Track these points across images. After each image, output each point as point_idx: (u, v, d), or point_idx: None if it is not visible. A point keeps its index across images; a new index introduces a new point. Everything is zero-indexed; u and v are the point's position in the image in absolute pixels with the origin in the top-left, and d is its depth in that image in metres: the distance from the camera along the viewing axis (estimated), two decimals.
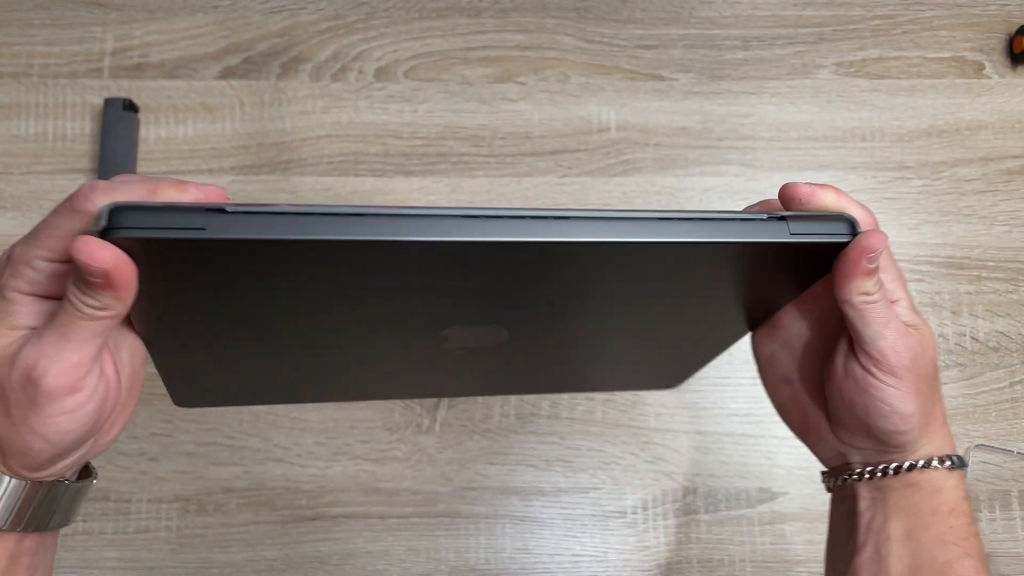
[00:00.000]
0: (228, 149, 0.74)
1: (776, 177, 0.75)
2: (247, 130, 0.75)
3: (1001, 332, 0.72)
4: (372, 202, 0.73)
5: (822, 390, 0.38)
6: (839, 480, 0.38)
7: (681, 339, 0.44)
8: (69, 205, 0.28)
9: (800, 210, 0.33)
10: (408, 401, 0.70)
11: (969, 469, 0.70)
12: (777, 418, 0.43)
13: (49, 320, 0.29)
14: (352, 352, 0.39)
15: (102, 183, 0.28)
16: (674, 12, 0.79)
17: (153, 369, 0.37)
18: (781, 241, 0.30)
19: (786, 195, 0.34)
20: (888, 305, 0.34)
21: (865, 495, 0.37)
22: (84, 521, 0.66)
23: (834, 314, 0.36)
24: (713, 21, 0.78)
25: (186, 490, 0.68)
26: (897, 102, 0.77)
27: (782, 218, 0.30)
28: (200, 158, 0.74)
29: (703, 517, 0.69)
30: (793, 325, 0.39)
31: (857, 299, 0.33)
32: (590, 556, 0.68)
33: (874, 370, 0.34)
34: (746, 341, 0.43)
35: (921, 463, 0.36)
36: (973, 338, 0.72)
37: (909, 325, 0.36)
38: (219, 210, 0.26)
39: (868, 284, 0.33)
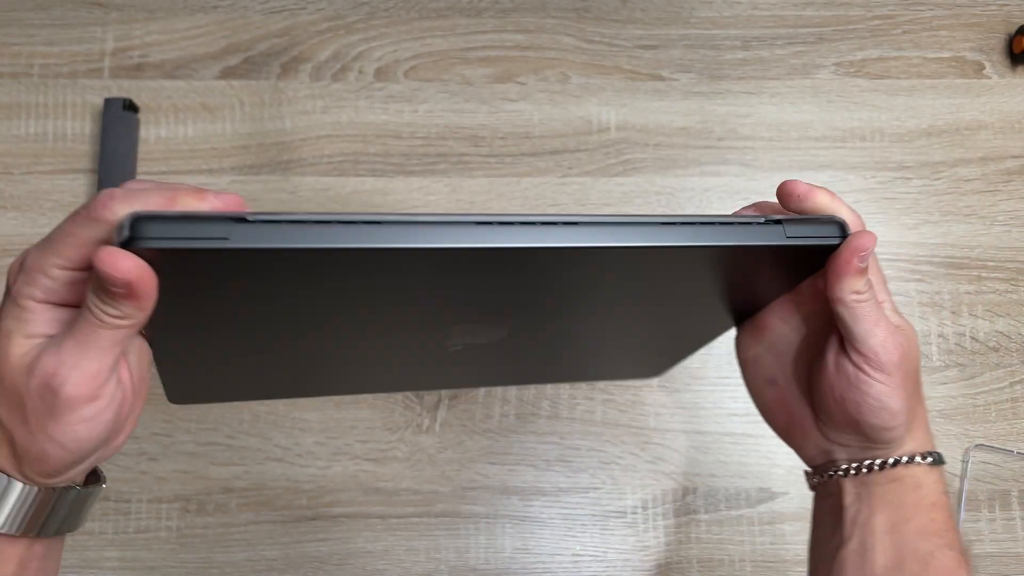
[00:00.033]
0: (228, 149, 0.74)
1: (776, 177, 0.75)
2: (247, 130, 0.75)
3: (1001, 332, 0.72)
4: (373, 202, 0.74)
5: (808, 390, 0.39)
6: (824, 477, 0.39)
7: (669, 333, 0.45)
8: (86, 213, 0.28)
9: (797, 206, 0.35)
10: (408, 401, 0.70)
11: (969, 469, 0.70)
12: None
13: (66, 328, 0.29)
14: (354, 349, 0.40)
15: (119, 191, 0.28)
16: (674, 12, 0.79)
17: (152, 368, 0.37)
18: (778, 244, 0.32)
19: (784, 191, 0.35)
20: (878, 304, 0.36)
21: (850, 490, 0.38)
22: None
23: (820, 316, 0.38)
24: (713, 21, 0.79)
25: (186, 490, 0.68)
26: (897, 102, 0.77)
27: (778, 221, 0.32)
28: (200, 158, 0.74)
29: (703, 517, 0.69)
30: (778, 328, 0.40)
31: (849, 298, 0.34)
32: (590, 556, 0.68)
33: (865, 367, 0.35)
34: None
35: (905, 459, 0.37)
36: (973, 338, 0.72)
37: (895, 325, 0.37)
38: (240, 219, 0.26)
39: (859, 283, 0.34)
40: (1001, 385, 0.71)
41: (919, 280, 0.73)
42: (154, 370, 0.37)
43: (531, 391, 0.70)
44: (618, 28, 0.78)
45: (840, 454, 0.39)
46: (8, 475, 0.31)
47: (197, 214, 0.26)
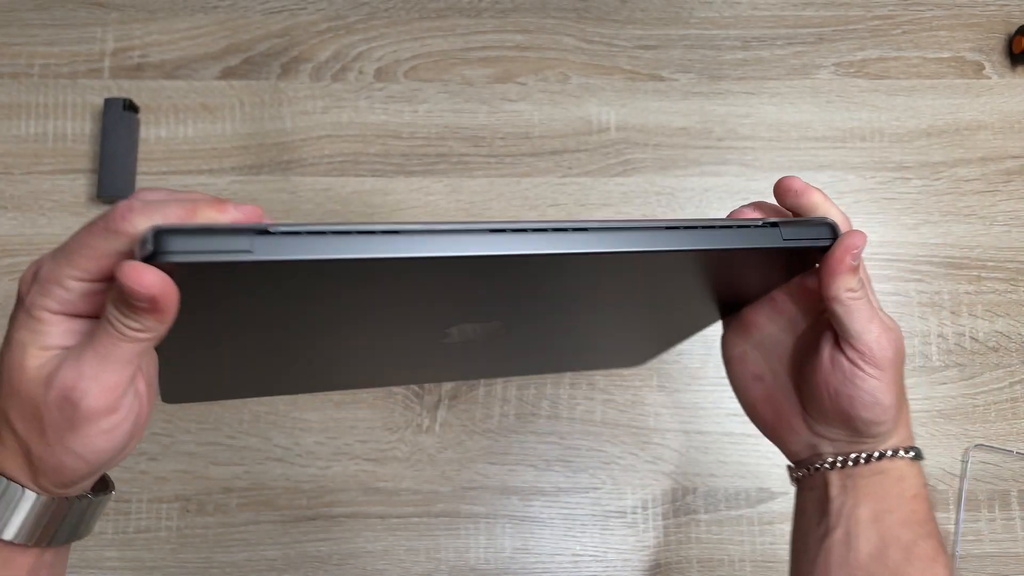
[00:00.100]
0: (228, 149, 0.74)
1: (775, 177, 0.74)
2: (247, 130, 0.75)
3: (1001, 332, 0.72)
4: (373, 203, 0.74)
5: (797, 385, 0.41)
6: (811, 470, 0.40)
7: (658, 325, 0.47)
8: (104, 225, 0.27)
9: (794, 202, 0.36)
10: (408, 401, 0.70)
11: (969, 469, 0.70)
12: None
13: (84, 339, 0.29)
14: (355, 347, 0.41)
15: (138, 203, 0.28)
16: (674, 12, 0.79)
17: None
18: (774, 247, 0.33)
19: (782, 187, 0.37)
20: (870, 302, 0.37)
21: (836, 482, 0.39)
22: None
23: (808, 314, 0.40)
24: (713, 21, 0.79)
25: (186, 490, 0.68)
26: (897, 102, 0.77)
27: (774, 224, 0.33)
28: (200, 158, 0.74)
29: (703, 517, 0.69)
30: (765, 325, 0.41)
31: (844, 295, 0.35)
32: (590, 556, 0.68)
33: (860, 363, 0.36)
34: None
35: (890, 453, 0.39)
36: (973, 338, 0.72)
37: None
38: (263, 231, 0.27)
39: (853, 281, 0.35)
40: (1001, 385, 0.71)
41: (919, 280, 0.73)
42: None
43: (531, 391, 0.70)
44: (618, 28, 0.78)
45: (826, 448, 0.40)
46: (23, 485, 0.31)
47: (218, 227, 0.27)
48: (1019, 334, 0.72)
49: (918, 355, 0.72)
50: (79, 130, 0.75)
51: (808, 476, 0.41)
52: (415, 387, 0.70)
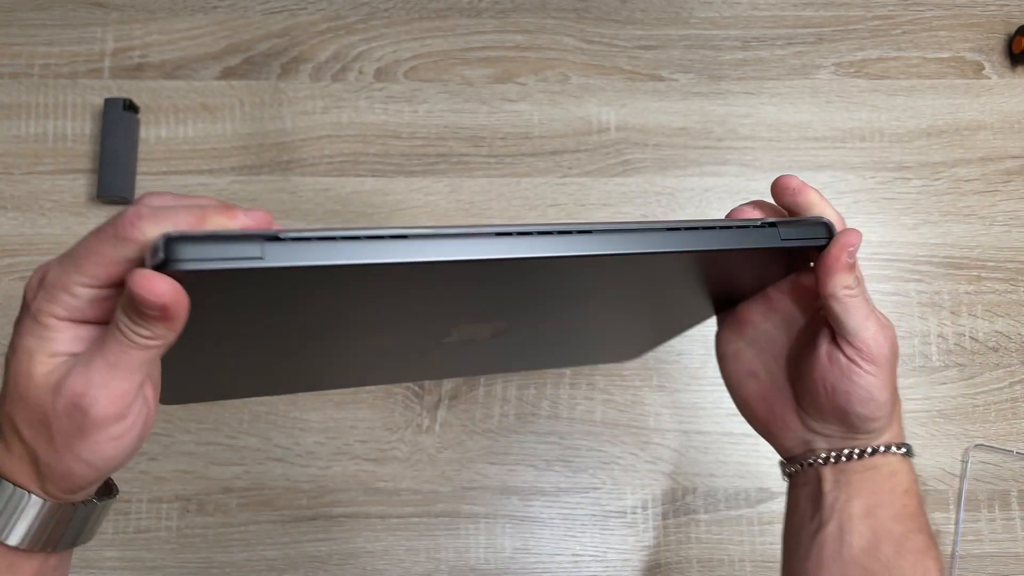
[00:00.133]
0: (228, 149, 0.74)
1: (775, 177, 0.75)
2: (247, 130, 0.75)
3: (1000, 332, 0.72)
4: (373, 203, 0.74)
5: (793, 381, 0.41)
6: (804, 465, 0.41)
7: (653, 321, 0.47)
8: (113, 232, 0.27)
9: (791, 200, 0.37)
10: (408, 401, 0.70)
11: (969, 469, 0.70)
12: None
13: (92, 346, 0.29)
14: (356, 347, 0.41)
15: (146, 210, 0.27)
16: (674, 12, 0.79)
17: None
18: (773, 247, 0.34)
19: (780, 185, 0.37)
20: (867, 299, 0.37)
21: (829, 477, 0.40)
22: None
23: (803, 311, 0.40)
24: (713, 22, 0.79)
25: (186, 490, 0.68)
26: (896, 102, 0.77)
27: (773, 224, 0.34)
28: (200, 158, 0.74)
29: (703, 517, 0.69)
30: (759, 323, 0.42)
31: (842, 293, 0.36)
32: (590, 556, 0.68)
33: (858, 359, 0.37)
34: None
35: (883, 448, 0.39)
36: (972, 338, 0.72)
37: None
38: (273, 237, 0.27)
39: (849, 278, 0.36)
40: (1001, 385, 0.71)
41: (919, 280, 0.73)
42: None
43: (531, 391, 0.70)
44: (618, 28, 0.78)
45: (820, 444, 0.41)
46: (29, 492, 0.31)
47: (229, 233, 0.27)
48: (1019, 334, 0.72)
49: (918, 355, 0.72)
50: (79, 130, 0.75)
51: (801, 472, 0.41)
52: (415, 387, 0.70)
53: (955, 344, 0.72)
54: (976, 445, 0.70)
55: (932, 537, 0.39)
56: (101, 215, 0.73)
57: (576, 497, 0.69)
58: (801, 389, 0.40)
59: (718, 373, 0.69)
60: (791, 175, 0.37)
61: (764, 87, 0.77)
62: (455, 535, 0.68)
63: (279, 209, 0.73)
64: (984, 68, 0.78)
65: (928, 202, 0.75)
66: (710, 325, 0.47)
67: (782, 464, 0.43)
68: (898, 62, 0.78)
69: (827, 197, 0.77)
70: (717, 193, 0.75)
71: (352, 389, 0.70)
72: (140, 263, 0.27)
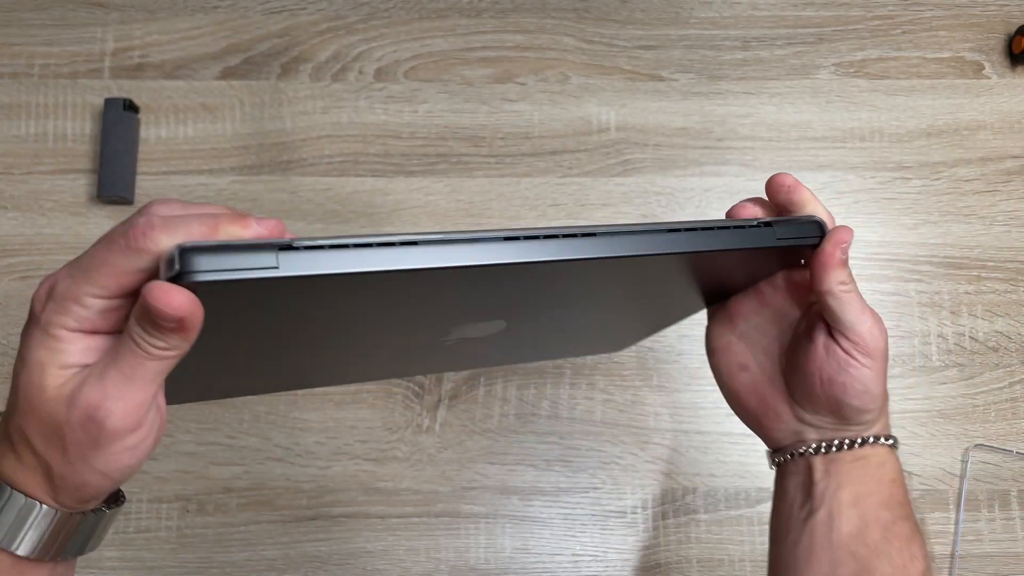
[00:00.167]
0: (228, 149, 0.74)
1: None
2: (247, 130, 0.75)
3: (1000, 332, 0.72)
4: (373, 203, 0.74)
5: (781, 374, 0.42)
6: (795, 455, 0.42)
7: (646, 315, 0.49)
8: (125, 243, 0.27)
9: (786, 197, 0.38)
10: (408, 401, 0.70)
11: (969, 469, 0.70)
12: None
13: (106, 357, 0.28)
14: (356, 346, 0.41)
15: (158, 220, 0.27)
16: (674, 12, 0.79)
17: None
18: (768, 246, 0.35)
19: (775, 183, 0.38)
20: (860, 294, 0.38)
21: (819, 467, 0.41)
22: None
23: (794, 306, 0.41)
24: (713, 22, 0.79)
25: (186, 490, 0.68)
26: (896, 102, 0.77)
27: (768, 224, 0.35)
28: (200, 158, 0.74)
29: (703, 517, 0.69)
30: (751, 317, 0.43)
31: (837, 288, 0.37)
32: (590, 556, 0.68)
33: (854, 353, 0.38)
34: None
35: (872, 439, 0.41)
36: (972, 338, 0.72)
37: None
38: (287, 246, 0.27)
39: (843, 274, 0.37)
40: (1000, 385, 0.71)
41: (919, 280, 0.73)
42: None
43: (531, 391, 0.70)
44: (618, 28, 0.78)
45: (811, 435, 0.42)
46: (41, 502, 0.31)
47: (243, 243, 0.27)
48: (1019, 334, 0.72)
49: (918, 355, 0.72)
50: (79, 130, 0.75)
51: (791, 461, 0.42)
52: (415, 387, 0.70)
53: (955, 344, 0.72)
54: (976, 445, 0.70)
55: (917, 525, 0.40)
56: (101, 215, 0.73)
57: (576, 497, 0.69)
58: (795, 381, 0.41)
59: None
60: (785, 173, 0.38)
61: (764, 87, 0.77)
62: (455, 535, 0.68)
63: (279, 209, 0.73)
64: (984, 68, 0.78)
65: (928, 202, 0.75)
66: (697, 312, 0.48)
67: (770, 454, 0.44)
68: (898, 62, 0.78)
69: (827, 197, 0.78)
70: (717, 193, 0.75)
71: (352, 389, 0.70)
72: (152, 273, 0.27)
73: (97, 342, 0.29)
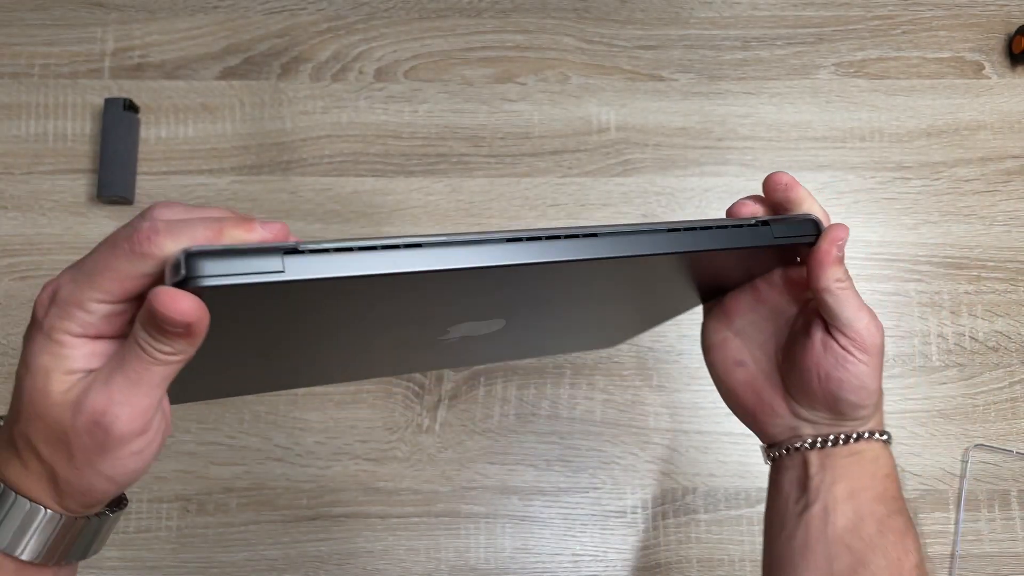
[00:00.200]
0: (228, 149, 0.74)
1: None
2: (247, 130, 0.75)
3: (1000, 332, 0.72)
4: (373, 203, 0.74)
5: (777, 370, 0.43)
6: (791, 450, 0.43)
7: (643, 311, 0.49)
8: (130, 248, 0.27)
9: (783, 196, 0.39)
10: (408, 401, 0.70)
11: (969, 469, 0.70)
12: None
13: (111, 362, 0.28)
14: (357, 345, 0.41)
15: (162, 224, 0.27)
16: (674, 12, 0.79)
17: None
18: (766, 244, 0.36)
19: (772, 181, 0.39)
20: (856, 291, 0.39)
21: (815, 461, 0.41)
22: None
23: (790, 303, 0.42)
24: (712, 22, 0.79)
25: (187, 490, 0.68)
26: (896, 102, 0.77)
27: (766, 223, 0.36)
28: (200, 158, 0.74)
29: (703, 517, 0.69)
30: (747, 313, 0.43)
31: (834, 286, 0.37)
32: (590, 556, 0.68)
33: (852, 349, 0.39)
34: None
35: (867, 435, 0.41)
36: (972, 338, 0.72)
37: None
38: (292, 250, 0.27)
39: (840, 271, 0.37)
40: (1000, 385, 0.71)
41: (919, 280, 0.73)
42: None
43: (531, 391, 0.70)
44: (618, 28, 0.78)
45: (807, 430, 0.42)
46: (46, 507, 0.31)
47: (248, 247, 0.27)
48: (1019, 334, 0.72)
49: (918, 355, 0.72)
50: (79, 130, 0.75)
51: (786, 456, 0.43)
52: (415, 387, 0.70)
53: (955, 344, 0.72)
54: (976, 445, 0.70)
55: (910, 519, 0.41)
56: (101, 215, 0.73)
57: (576, 497, 0.69)
58: (792, 377, 0.41)
59: None
60: (782, 172, 0.39)
61: (764, 87, 0.77)
62: (455, 535, 0.68)
63: (279, 209, 0.73)
64: (984, 68, 0.78)
65: (928, 202, 0.75)
66: (691, 309, 0.48)
67: (765, 449, 0.45)
68: (898, 62, 0.78)
69: (827, 197, 0.78)
70: (717, 193, 0.75)
71: (352, 389, 0.70)
72: (157, 278, 0.27)
73: (101, 347, 0.29)
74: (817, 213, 0.38)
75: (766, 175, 0.39)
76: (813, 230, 0.37)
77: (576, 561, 0.68)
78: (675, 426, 0.70)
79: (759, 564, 0.68)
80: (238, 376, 0.43)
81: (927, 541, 0.69)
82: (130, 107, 0.73)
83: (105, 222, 0.72)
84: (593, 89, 0.77)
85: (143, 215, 0.29)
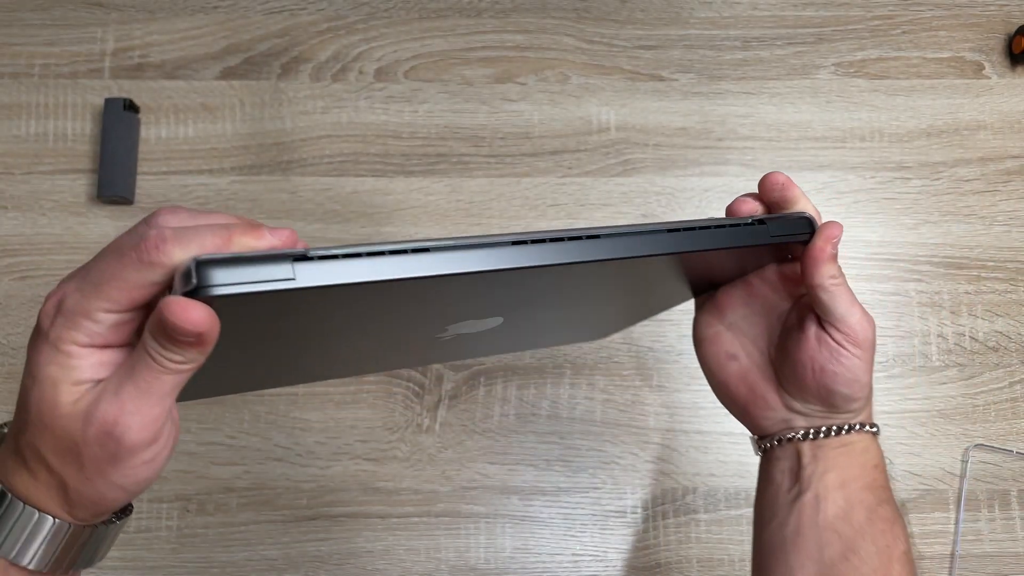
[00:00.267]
0: (228, 149, 0.74)
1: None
2: (247, 130, 0.75)
3: (1000, 332, 0.72)
4: (373, 203, 0.74)
5: (769, 363, 0.43)
6: (783, 440, 0.44)
7: (636, 306, 0.50)
8: (138, 257, 0.27)
9: (780, 195, 0.40)
10: (408, 401, 0.70)
11: (969, 469, 0.70)
12: None
13: (120, 372, 0.28)
14: (357, 344, 0.42)
15: (170, 232, 0.27)
16: (674, 12, 0.79)
17: None
18: (763, 243, 0.37)
19: (769, 181, 0.40)
20: (849, 287, 0.40)
21: (807, 452, 0.42)
22: None
23: (783, 298, 0.43)
24: (712, 22, 0.79)
25: (187, 490, 0.68)
26: (896, 102, 0.77)
27: (762, 222, 0.37)
28: (200, 158, 0.74)
29: (703, 516, 0.69)
30: (740, 308, 0.44)
31: (828, 282, 0.38)
32: (590, 556, 0.68)
33: (845, 343, 0.40)
34: None
35: (857, 427, 0.42)
36: (972, 338, 0.72)
37: None
38: (302, 256, 0.27)
39: (834, 268, 0.38)
40: (1000, 385, 0.71)
41: (918, 280, 0.73)
42: None
43: (531, 391, 0.70)
44: (618, 28, 0.78)
45: (800, 422, 0.43)
46: (55, 517, 0.30)
47: (258, 255, 0.27)
48: (1019, 334, 0.72)
49: (918, 355, 0.72)
50: (79, 130, 0.75)
51: (778, 447, 0.44)
52: (415, 387, 0.70)
53: (955, 344, 0.72)
54: (976, 445, 0.70)
55: (898, 509, 0.42)
56: (101, 215, 0.73)
57: (576, 497, 0.69)
58: (786, 370, 0.42)
59: None
60: (778, 172, 0.40)
61: (764, 87, 0.77)
62: (455, 535, 0.68)
63: (279, 209, 0.73)
64: (984, 68, 0.78)
65: (928, 202, 0.75)
66: (683, 303, 0.48)
67: (756, 440, 0.45)
68: (898, 62, 0.78)
69: (827, 197, 0.78)
70: (717, 193, 0.75)
71: (352, 389, 0.70)
72: (165, 286, 0.27)
73: (109, 356, 0.29)
74: (810, 212, 0.39)
75: (762, 176, 0.40)
76: (808, 228, 0.38)
77: (576, 561, 0.68)
78: (675, 426, 0.70)
79: None
80: (238, 375, 0.44)
81: (927, 541, 0.69)
82: (130, 107, 0.73)
83: (105, 222, 0.72)
84: (593, 89, 0.77)
85: (148, 222, 0.28)
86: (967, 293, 0.73)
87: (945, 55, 0.78)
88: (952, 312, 0.73)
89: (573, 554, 0.68)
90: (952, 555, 0.68)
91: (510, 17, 0.78)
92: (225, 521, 0.67)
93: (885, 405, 0.71)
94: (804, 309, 0.41)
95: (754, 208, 0.40)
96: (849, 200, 0.75)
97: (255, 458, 0.68)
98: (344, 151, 0.75)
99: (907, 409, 0.71)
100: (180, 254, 0.27)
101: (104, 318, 0.28)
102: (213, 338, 0.27)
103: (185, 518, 0.67)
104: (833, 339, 0.40)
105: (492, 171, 0.75)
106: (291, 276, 0.27)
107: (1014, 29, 0.78)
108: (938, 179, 0.75)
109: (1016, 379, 0.71)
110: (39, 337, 0.29)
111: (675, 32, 0.78)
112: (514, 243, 0.31)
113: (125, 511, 0.35)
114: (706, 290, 0.46)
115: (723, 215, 0.41)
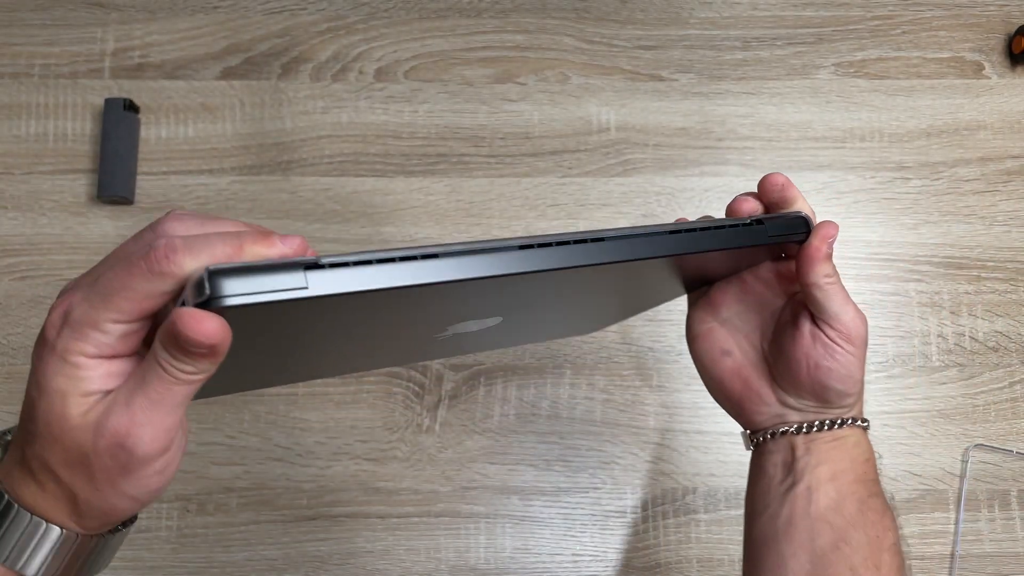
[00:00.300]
0: (228, 149, 0.74)
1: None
2: (247, 130, 0.75)
3: (1000, 332, 0.72)
4: (373, 203, 0.74)
5: (763, 359, 0.44)
6: (776, 434, 0.44)
7: (631, 302, 0.51)
8: (147, 267, 0.27)
9: (779, 195, 0.40)
10: (408, 401, 0.70)
11: (969, 469, 0.70)
12: None
13: (130, 382, 0.28)
14: (358, 343, 0.42)
15: (179, 241, 0.27)
16: (674, 13, 0.79)
17: None
18: (761, 243, 0.37)
19: (768, 182, 0.40)
20: (843, 286, 0.40)
21: (801, 445, 0.43)
22: None
23: (778, 295, 0.43)
24: (712, 22, 0.79)
25: (187, 490, 0.68)
26: (896, 102, 0.77)
27: (760, 222, 0.38)
28: (200, 158, 0.74)
29: (703, 516, 0.69)
30: (734, 304, 0.45)
31: (823, 281, 0.39)
32: (590, 556, 0.68)
33: (839, 340, 0.40)
34: None
35: (849, 421, 0.43)
36: (972, 338, 0.72)
37: None
38: (314, 264, 0.27)
39: (829, 267, 0.39)
40: (1000, 385, 0.71)
41: (918, 280, 0.73)
42: None
43: (531, 391, 0.70)
44: (618, 28, 0.78)
45: (793, 417, 0.44)
46: (63, 528, 0.30)
47: (270, 263, 0.27)
48: (1019, 334, 0.72)
49: (918, 355, 0.72)
50: (79, 130, 0.75)
51: (771, 440, 0.44)
52: (415, 387, 0.70)
53: (955, 344, 0.72)
54: (976, 445, 0.70)
55: (887, 503, 0.43)
56: (101, 215, 0.73)
57: (576, 497, 0.69)
58: (780, 366, 0.43)
59: None
60: (778, 173, 0.40)
61: (764, 87, 0.77)
62: (455, 535, 0.68)
63: (279, 209, 0.73)
64: (984, 68, 0.78)
65: (928, 202, 0.75)
66: (676, 298, 0.49)
67: (748, 434, 0.46)
68: (898, 62, 0.78)
69: (827, 197, 0.78)
70: (717, 193, 0.75)
71: (352, 389, 0.70)
72: (175, 295, 0.27)
73: (117, 367, 0.28)
74: (806, 212, 0.40)
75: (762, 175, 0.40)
76: (804, 228, 0.39)
77: (576, 561, 0.68)
78: (675, 426, 0.70)
79: None
80: (240, 375, 0.44)
81: (927, 541, 0.69)
82: (130, 107, 0.73)
83: (105, 222, 0.72)
84: (593, 89, 0.77)
85: (155, 229, 0.28)
86: (967, 293, 0.73)
87: (945, 55, 0.78)
88: (952, 312, 0.73)
89: (573, 554, 0.68)
90: (952, 555, 0.68)
91: (510, 17, 0.78)
92: (225, 521, 0.67)
93: (885, 405, 0.71)
94: (798, 306, 0.42)
95: (754, 207, 0.41)
96: (849, 200, 0.75)
97: (255, 458, 0.68)
98: (344, 151, 0.75)
99: (907, 409, 0.71)
100: (191, 264, 0.26)
101: (112, 329, 0.27)
102: (225, 348, 0.27)
103: (185, 518, 0.67)
104: (827, 336, 0.40)
105: (492, 171, 0.75)
106: (304, 285, 0.27)
107: (1014, 29, 0.78)
108: (938, 179, 0.75)
109: (1016, 379, 0.71)
110: (45, 348, 0.28)
111: (675, 32, 0.78)
112: (521, 247, 0.31)
113: (131, 518, 0.35)
114: (699, 286, 0.46)
115: (723, 215, 0.41)
